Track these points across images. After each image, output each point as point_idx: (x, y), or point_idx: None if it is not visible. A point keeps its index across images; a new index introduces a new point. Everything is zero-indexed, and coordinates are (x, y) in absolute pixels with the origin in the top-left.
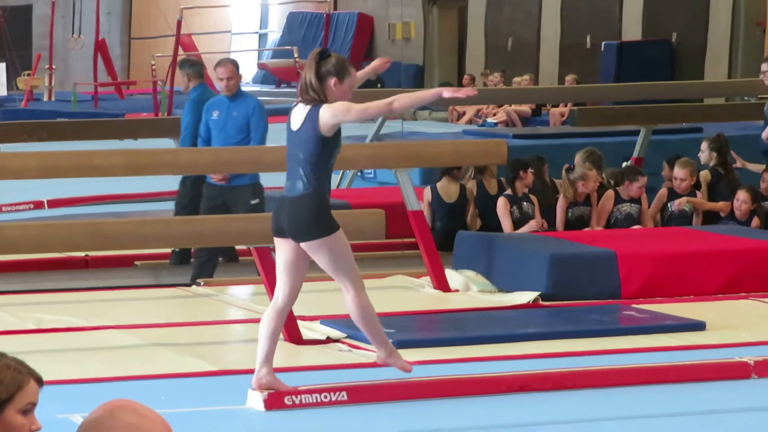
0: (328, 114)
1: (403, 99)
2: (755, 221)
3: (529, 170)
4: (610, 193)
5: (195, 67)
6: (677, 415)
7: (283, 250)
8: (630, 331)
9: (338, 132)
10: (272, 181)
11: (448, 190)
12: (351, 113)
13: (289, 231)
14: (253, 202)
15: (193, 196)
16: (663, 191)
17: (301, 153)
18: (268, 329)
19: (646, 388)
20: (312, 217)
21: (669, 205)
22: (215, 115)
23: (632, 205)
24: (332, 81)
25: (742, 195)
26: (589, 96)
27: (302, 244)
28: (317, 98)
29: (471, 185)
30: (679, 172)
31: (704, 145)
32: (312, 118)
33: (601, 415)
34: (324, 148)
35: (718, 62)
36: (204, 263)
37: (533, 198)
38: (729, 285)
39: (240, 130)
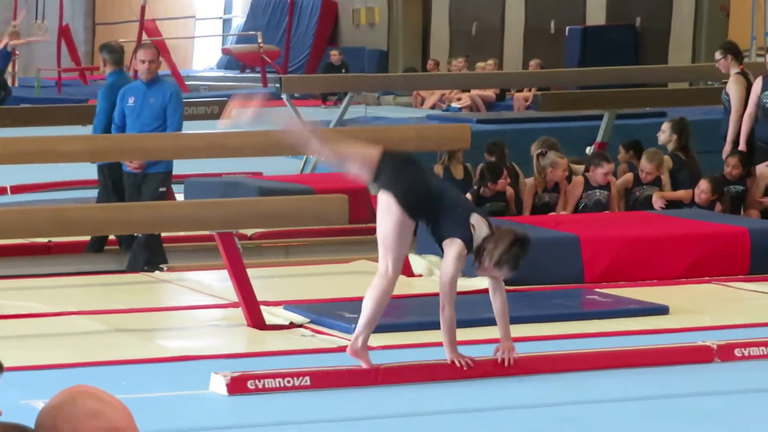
0: None
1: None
2: (718, 207)
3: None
4: (579, 179)
5: (114, 53)
6: (640, 399)
7: None
8: (593, 316)
9: None
10: (233, 166)
11: (456, 170)
12: None
13: None
14: (161, 189)
15: (114, 183)
16: (629, 176)
17: None
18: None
19: (610, 372)
20: None
21: (634, 191)
22: (131, 101)
23: (601, 192)
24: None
25: (703, 185)
26: (553, 81)
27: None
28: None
29: (438, 169)
30: (645, 165)
31: (666, 126)
32: None
33: (564, 400)
34: None
35: (681, 47)
36: (141, 251)
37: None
38: (692, 269)
39: (157, 117)
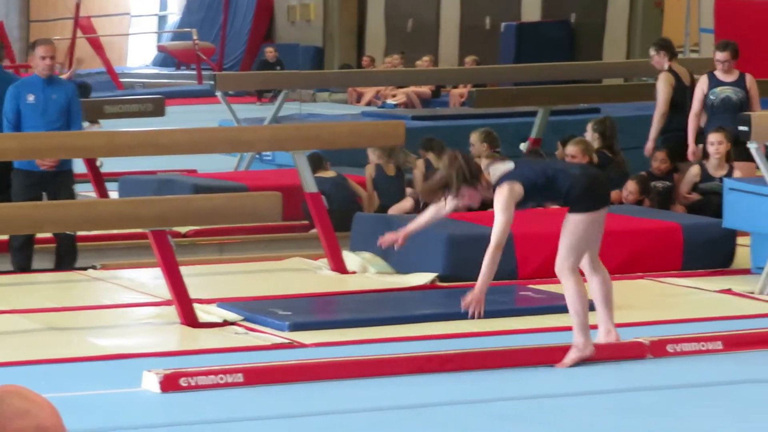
0: None
1: None
2: (646, 203)
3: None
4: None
5: None
6: (574, 395)
7: None
8: (527, 312)
9: None
10: (168, 164)
11: (388, 168)
12: None
13: None
14: (73, 186)
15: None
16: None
17: None
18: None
19: (543, 369)
20: None
21: None
22: (30, 98)
23: None
24: None
25: (630, 185)
26: (488, 77)
27: None
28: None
29: (370, 166)
30: (570, 149)
31: (589, 126)
32: None
33: (500, 396)
34: None
35: (616, 43)
36: (19, 249)
37: None
38: (626, 265)
39: (62, 113)
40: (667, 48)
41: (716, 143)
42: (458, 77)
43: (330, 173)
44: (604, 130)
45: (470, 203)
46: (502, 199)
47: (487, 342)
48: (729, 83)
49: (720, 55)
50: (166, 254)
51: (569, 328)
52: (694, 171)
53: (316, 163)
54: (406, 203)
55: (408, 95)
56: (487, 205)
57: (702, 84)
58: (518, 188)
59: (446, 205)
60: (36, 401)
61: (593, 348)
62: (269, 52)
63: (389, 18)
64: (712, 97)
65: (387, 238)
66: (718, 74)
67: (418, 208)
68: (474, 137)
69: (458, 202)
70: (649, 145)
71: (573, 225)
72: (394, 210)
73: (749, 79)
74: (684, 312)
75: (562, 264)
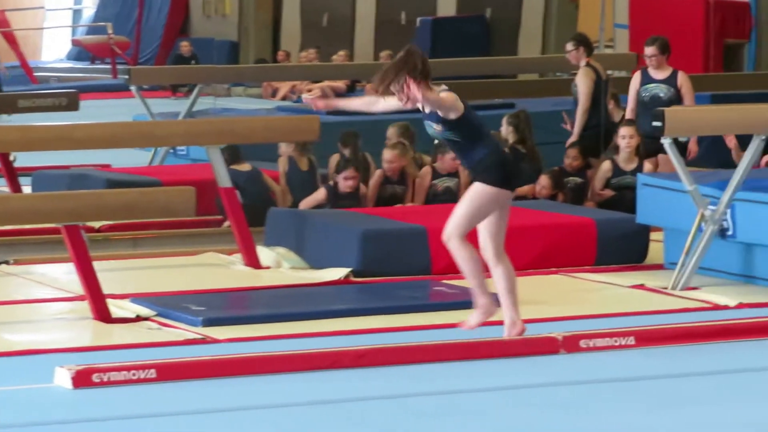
0: None
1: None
2: (560, 198)
3: None
4: (426, 169)
5: None
6: (488, 390)
7: None
8: (441, 307)
9: None
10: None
11: (301, 162)
12: None
13: None
14: None
15: None
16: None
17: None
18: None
19: (457, 364)
20: None
21: None
22: None
23: (451, 178)
24: None
25: (543, 180)
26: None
27: None
28: None
29: (283, 161)
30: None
31: (504, 120)
32: None
33: (411, 391)
34: None
35: (531, 38)
36: None
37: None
38: (539, 260)
39: None
40: (586, 43)
41: (627, 137)
42: (374, 72)
43: (245, 166)
44: (518, 123)
45: (408, 102)
46: (447, 95)
47: (401, 337)
48: (660, 80)
49: (647, 50)
50: (79, 249)
51: (486, 323)
52: (605, 167)
53: (233, 155)
54: (319, 194)
55: (323, 90)
56: (397, 201)
57: (635, 81)
58: (460, 104)
59: (384, 100)
60: None
61: (496, 306)
62: (184, 47)
63: (305, 12)
64: (643, 94)
65: (313, 100)
66: (651, 71)
67: (331, 199)
68: (391, 132)
69: (399, 95)
70: (573, 140)
71: (475, 193)
72: (307, 202)
73: (681, 76)
74: (597, 307)
75: (453, 231)
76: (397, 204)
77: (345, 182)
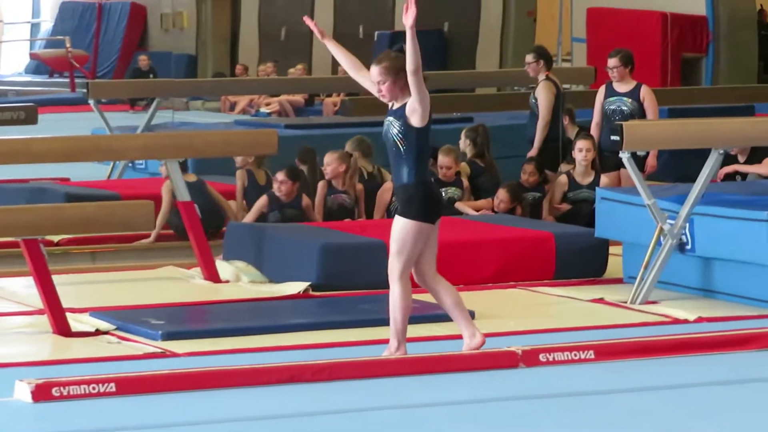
0: None
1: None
2: (518, 211)
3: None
4: (387, 185)
5: None
6: (447, 404)
7: None
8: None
9: None
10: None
11: (259, 176)
12: None
13: None
14: None
15: None
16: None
17: None
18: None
19: (417, 378)
20: None
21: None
22: None
23: (447, 189)
24: None
25: (501, 194)
26: (361, 86)
27: None
28: None
29: (241, 174)
30: (443, 159)
31: (462, 134)
32: None
33: (372, 405)
34: None
35: (489, 52)
36: None
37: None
38: (498, 274)
39: None
40: (546, 57)
41: (584, 150)
42: (332, 86)
43: (191, 177)
44: (476, 137)
45: (386, 97)
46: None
47: (360, 351)
48: (623, 94)
49: (610, 62)
50: (38, 263)
51: (445, 337)
52: (562, 181)
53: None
54: (261, 201)
55: (281, 104)
56: (346, 213)
57: (600, 94)
58: (428, 117)
59: (363, 76)
60: None
61: (405, 351)
62: (142, 60)
63: (263, 26)
64: (606, 107)
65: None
66: (615, 85)
67: (272, 207)
68: (347, 147)
69: (384, 88)
70: (534, 154)
71: (400, 232)
72: (251, 213)
73: (644, 89)
74: (556, 321)
75: (392, 274)
76: (347, 216)
77: (277, 186)
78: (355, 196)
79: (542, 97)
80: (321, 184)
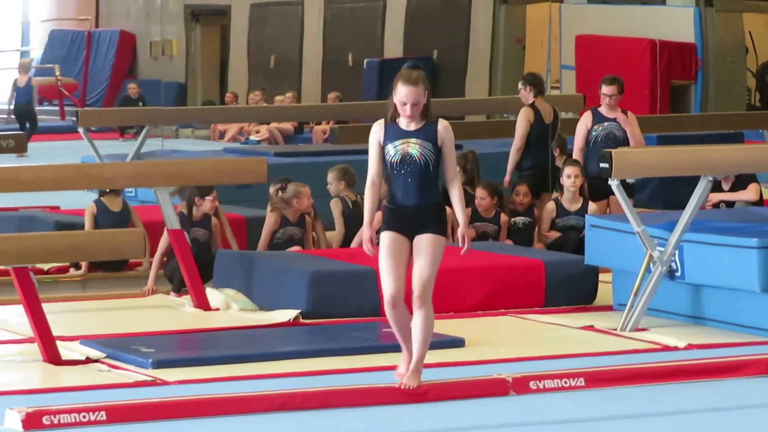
0: None
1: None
2: (503, 217)
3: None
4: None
5: None
6: None
7: None
8: (390, 349)
9: (384, 148)
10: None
11: (113, 201)
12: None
13: None
14: None
15: None
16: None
17: None
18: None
19: (408, 407)
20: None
21: None
22: None
23: None
24: (392, 93)
25: (480, 192)
26: (351, 113)
27: None
28: (391, 109)
29: (91, 206)
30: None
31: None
32: None
33: None
34: None
35: (478, 79)
36: None
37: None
38: (488, 301)
39: None
40: (535, 84)
41: (572, 176)
42: (321, 113)
43: (117, 203)
44: (466, 163)
45: (413, 115)
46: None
47: (350, 379)
48: (613, 119)
49: (606, 89)
50: (28, 291)
51: (432, 365)
52: (549, 207)
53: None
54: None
55: (271, 131)
56: (295, 244)
57: (586, 119)
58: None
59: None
60: None
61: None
62: (131, 88)
63: (252, 54)
64: (594, 133)
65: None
66: (602, 110)
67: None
68: (330, 176)
69: (414, 107)
70: (507, 178)
71: (438, 248)
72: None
73: (630, 116)
74: (547, 348)
75: (428, 294)
76: (294, 245)
77: (205, 203)
78: (304, 229)
79: (517, 123)
80: (273, 218)
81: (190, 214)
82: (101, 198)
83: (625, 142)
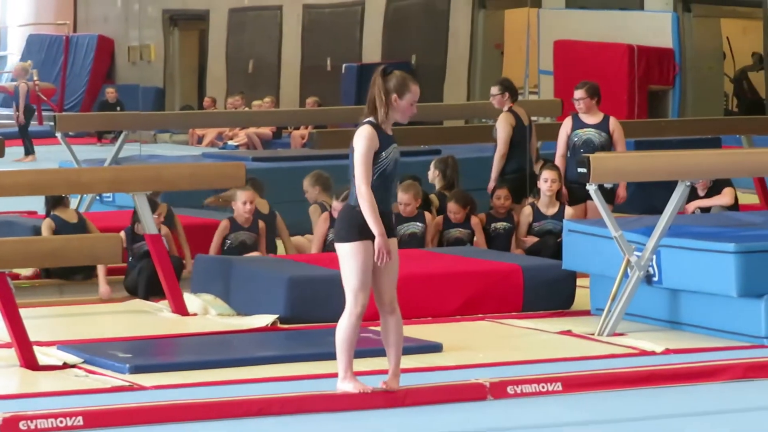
0: (354, 147)
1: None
2: (473, 220)
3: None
4: (325, 215)
5: None
6: None
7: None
8: (368, 353)
9: (378, 154)
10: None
11: (67, 213)
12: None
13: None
14: None
15: None
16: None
17: (351, 166)
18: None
19: (385, 411)
20: (345, 224)
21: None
22: None
23: (408, 225)
24: (393, 97)
25: (450, 206)
26: (329, 118)
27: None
28: (378, 114)
29: (48, 221)
30: (402, 196)
31: (431, 165)
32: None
33: None
34: None
35: (457, 84)
36: None
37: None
38: (466, 306)
39: None
40: (511, 89)
41: (549, 180)
42: (299, 118)
43: (71, 214)
44: (446, 168)
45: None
46: None
47: (327, 384)
48: (592, 125)
49: (576, 93)
50: (5, 296)
51: (409, 370)
52: (526, 212)
53: (56, 202)
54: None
55: (249, 136)
56: (247, 249)
57: (566, 125)
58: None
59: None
60: None
61: None
62: (109, 93)
63: (230, 59)
64: (575, 138)
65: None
66: (582, 116)
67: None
68: (306, 183)
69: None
70: (491, 185)
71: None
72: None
73: (613, 121)
74: (524, 353)
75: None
76: (247, 251)
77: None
78: (257, 234)
79: (500, 129)
80: (224, 223)
81: (133, 229)
82: (54, 213)
83: (603, 148)
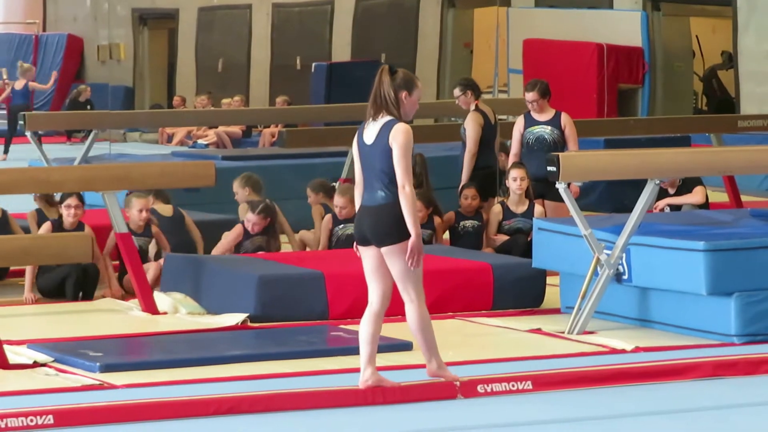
0: (395, 146)
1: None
2: (437, 220)
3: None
4: (328, 216)
5: None
6: None
7: (368, 257)
8: (338, 352)
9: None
10: None
11: (50, 211)
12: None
13: (372, 238)
14: None
15: None
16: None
17: (378, 164)
18: (368, 333)
19: (355, 410)
20: (393, 224)
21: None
22: None
23: (346, 225)
24: (403, 94)
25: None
26: (299, 117)
27: (382, 249)
28: (394, 112)
29: (32, 214)
30: (338, 200)
31: None
32: (385, 133)
33: None
34: None
35: (426, 83)
36: None
37: None
38: (436, 305)
39: None
40: (473, 87)
41: (518, 179)
42: (269, 117)
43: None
44: (415, 166)
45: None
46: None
47: (297, 383)
48: (543, 122)
49: (528, 95)
50: None
51: (380, 368)
52: (496, 210)
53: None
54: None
55: (219, 135)
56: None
57: (519, 124)
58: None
59: None
60: None
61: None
62: (84, 90)
63: (200, 58)
64: (528, 136)
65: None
66: (534, 114)
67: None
68: (236, 185)
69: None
70: (463, 183)
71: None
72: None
73: (564, 117)
74: (494, 352)
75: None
76: (146, 258)
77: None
78: (150, 238)
79: (469, 128)
80: (156, 233)
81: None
82: (40, 208)
83: (556, 144)
